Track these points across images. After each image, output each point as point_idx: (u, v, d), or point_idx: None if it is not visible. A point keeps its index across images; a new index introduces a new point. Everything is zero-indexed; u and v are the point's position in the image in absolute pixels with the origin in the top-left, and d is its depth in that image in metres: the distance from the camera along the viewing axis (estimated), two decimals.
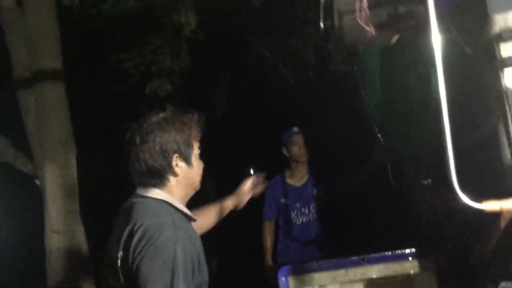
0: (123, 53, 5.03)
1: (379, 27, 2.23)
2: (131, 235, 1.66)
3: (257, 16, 5.55)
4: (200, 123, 1.88)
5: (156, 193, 1.78)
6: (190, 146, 1.82)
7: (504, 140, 1.69)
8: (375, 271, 2.44)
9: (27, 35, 3.84)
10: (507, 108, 1.63)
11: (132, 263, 1.62)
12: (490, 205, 1.64)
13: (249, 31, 5.84)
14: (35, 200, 4.00)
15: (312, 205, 3.76)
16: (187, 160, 1.81)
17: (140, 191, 1.81)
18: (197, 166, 1.86)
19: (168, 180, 1.79)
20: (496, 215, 1.69)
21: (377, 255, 2.43)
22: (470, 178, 1.73)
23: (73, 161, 3.84)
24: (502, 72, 1.64)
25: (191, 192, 1.88)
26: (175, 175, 1.79)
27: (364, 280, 2.50)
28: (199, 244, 1.78)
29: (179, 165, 1.79)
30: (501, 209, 1.64)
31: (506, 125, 1.65)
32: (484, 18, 1.70)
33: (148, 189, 1.79)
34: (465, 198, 1.63)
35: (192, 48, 4.96)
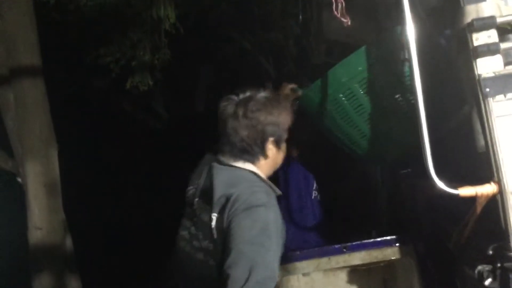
0: (103, 48, 4.99)
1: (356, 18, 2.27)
2: (227, 200, 1.70)
3: (237, 9, 5.55)
4: (294, 109, 1.93)
5: (246, 165, 1.83)
6: (285, 132, 1.87)
7: (478, 128, 1.74)
8: (357, 258, 2.48)
9: (4, 31, 3.80)
10: (480, 97, 1.68)
11: (226, 223, 1.67)
12: (465, 191, 1.69)
13: (229, 24, 5.84)
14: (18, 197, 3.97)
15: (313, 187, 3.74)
16: (278, 144, 1.85)
17: (228, 160, 1.84)
18: (284, 151, 1.91)
19: (258, 159, 1.84)
20: (472, 201, 1.74)
21: (358, 242, 2.47)
22: (446, 165, 1.78)
23: (54, 158, 3.82)
24: (475, 61, 1.68)
25: (272, 172, 1.92)
26: (266, 157, 1.84)
27: (347, 268, 2.55)
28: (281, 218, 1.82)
29: (270, 148, 1.83)
30: (476, 194, 1.69)
31: (480, 112, 1.70)
32: (457, 9, 1.74)
33: (237, 161, 1.83)
34: (441, 184, 1.68)
35: (172, 42, 4.94)
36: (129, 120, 7.11)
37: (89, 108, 6.48)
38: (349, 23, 1.95)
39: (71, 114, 5.76)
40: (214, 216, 1.71)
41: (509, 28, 1.72)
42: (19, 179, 3.88)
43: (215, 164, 1.85)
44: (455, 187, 1.70)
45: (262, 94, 1.85)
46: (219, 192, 1.73)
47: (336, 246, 2.48)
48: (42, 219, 3.70)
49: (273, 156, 1.85)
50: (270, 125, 1.80)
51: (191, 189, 1.91)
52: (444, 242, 2.09)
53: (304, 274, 2.57)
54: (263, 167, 1.85)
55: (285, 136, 1.87)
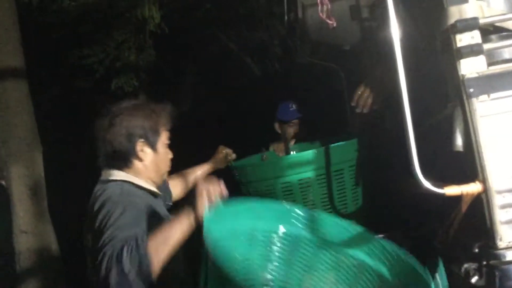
0: (87, 49, 4.96)
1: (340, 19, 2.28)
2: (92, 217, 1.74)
3: (222, 9, 5.55)
4: (170, 113, 1.95)
5: (118, 175, 1.84)
6: (157, 133, 1.88)
7: (461, 127, 1.76)
8: None
9: None
10: (464, 97, 1.70)
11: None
12: (451, 190, 1.71)
13: (214, 24, 5.83)
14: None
15: None
16: (152, 146, 1.87)
17: (104, 174, 1.87)
18: (164, 154, 1.92)
19: (133, 163, 1.85)
20: (458, 199, 1.76)
21: None
22: (432, 164, 1.79)
23: (39, 160, 3.80)
24: (459, 62, 1.71)
25: (158, 178, 1.93)
26: (140, 159, 1.86)
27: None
28: (155, 210, 1.84)
29: (144, 150, 1.85)
30: (461, 193, 1.71)
31: (464, 112, 1.72)
32: (440, 10, 1.76)
33: (112, 171, 1.85)
34: (427, 184, 1.70)
35: (157, 43, 4.92)
36: None
37: (74, 109, 6.42)
38: (335, 25, 1.96)
39: (55, 115, 5.71)
40: (88, 236, 1.78)
41: (491, 29, 1.75)
42: (3, 182, 3.84)
43: (97, 184, 1.88)
44: (441, 186, 1.72)
45: (130, 102, 1.92)
46: (90, 210, 1.78)
47: None
48: (27, 222, 3.68)
49: (150, 159, 1.87)
50: (136, 127, 1.83)
51: None
52: (430, 240, 2.11)
53: None
54: (142, 171, 1.87)
55: (159, 138, 1.89)
